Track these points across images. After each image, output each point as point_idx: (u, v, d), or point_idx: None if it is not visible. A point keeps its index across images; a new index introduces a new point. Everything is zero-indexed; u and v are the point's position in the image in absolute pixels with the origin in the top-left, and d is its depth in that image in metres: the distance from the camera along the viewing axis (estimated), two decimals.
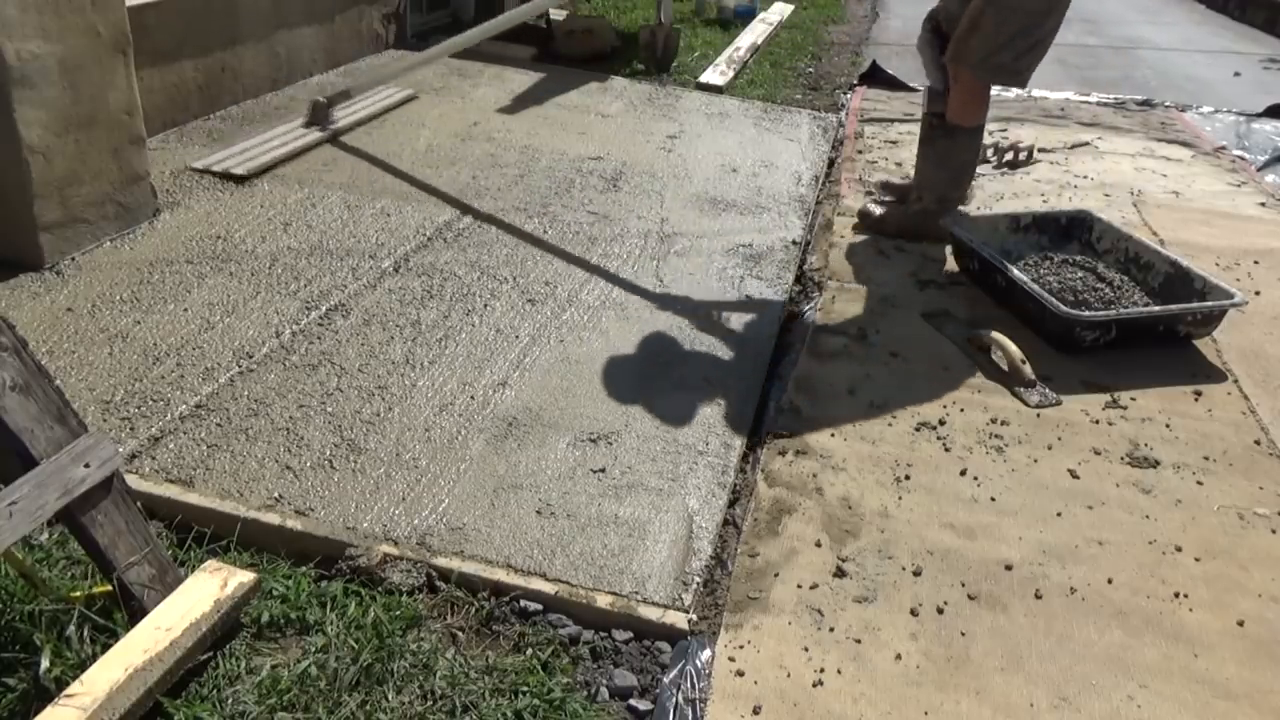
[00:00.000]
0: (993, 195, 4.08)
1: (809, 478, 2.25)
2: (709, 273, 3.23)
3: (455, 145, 4.12)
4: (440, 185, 3.68)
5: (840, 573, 1.96)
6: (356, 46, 5.14)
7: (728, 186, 4.01)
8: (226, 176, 3.46)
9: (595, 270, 3.15)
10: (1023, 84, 3.33)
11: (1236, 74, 7.02)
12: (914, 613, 1.88)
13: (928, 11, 3.48)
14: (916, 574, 1.98)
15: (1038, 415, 2.56)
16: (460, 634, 1.79)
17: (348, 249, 3.11)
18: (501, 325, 2.78)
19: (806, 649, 1.78)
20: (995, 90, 3.51)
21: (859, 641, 1.80)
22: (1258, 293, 3.32)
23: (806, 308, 3.08)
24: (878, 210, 3.69)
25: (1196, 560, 2.08)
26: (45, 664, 1.54)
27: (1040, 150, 4.63)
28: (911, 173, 4.27)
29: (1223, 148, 5.03)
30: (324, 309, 2.76)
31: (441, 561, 1.91)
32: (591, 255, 3.26)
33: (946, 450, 2.39)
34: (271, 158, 3.64)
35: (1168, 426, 2.55)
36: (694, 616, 1.85)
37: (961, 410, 2.55)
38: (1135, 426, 2.54)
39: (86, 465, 1.57)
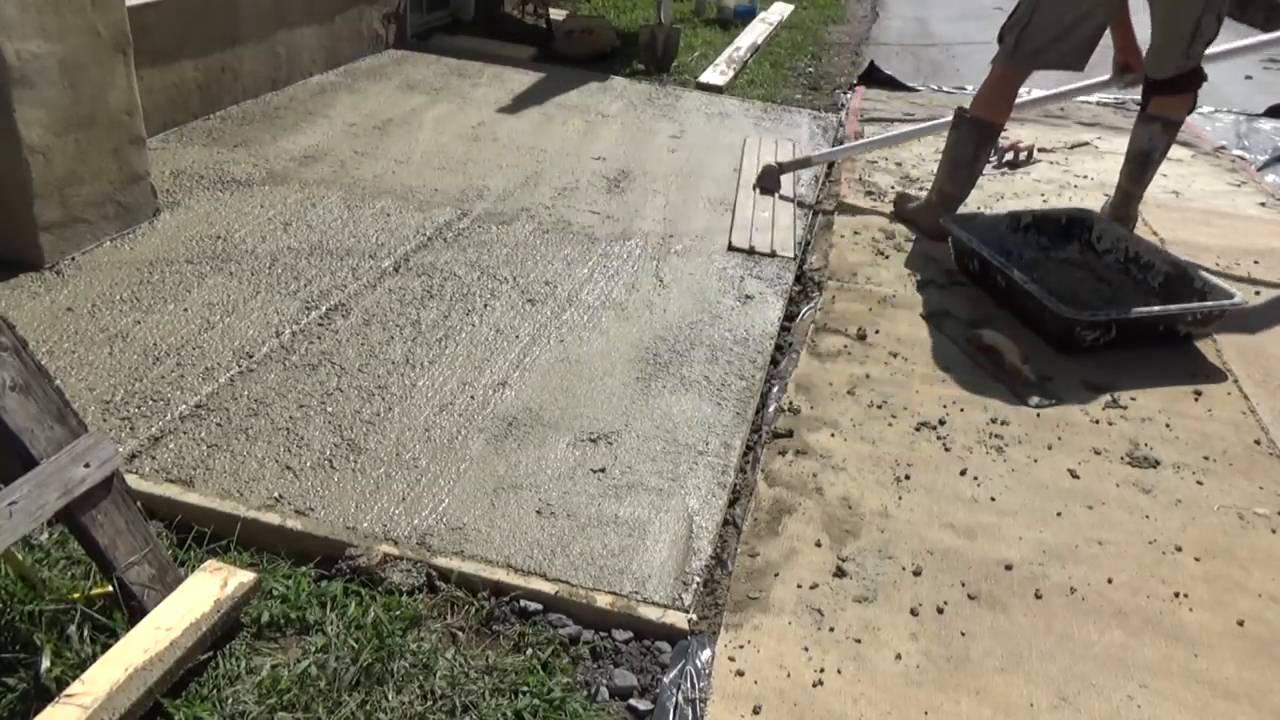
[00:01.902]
0: (993, 195, 4.07)
1: (809, 478, 2.25)
2: (709, 272, 3.23)
3: (456, 145, 4.12)
4: (440, 185, 3.68)
5: (840, 573, 1.97)
6: (356, 46, 5.14)
7: (728, 186, 4.00)
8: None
9: (595, 270, 3.15)
10: (1012, 59, 3.32)
11: (1248, 78, 6.99)
12: (914, 613, 1.88)
13: None
14: (916, 574, 1.98)
15: (1038, 415, 2.56)
16: (460, 634, 1.79)
17: (348, 249, 3.11)
18: (501, 325, 2.78)
19: (806, 649, 1.78)
20: None
21: (859, 641, 1.81)
22: (1258, 293, 3.32)
23: (806, 308, 3.08)
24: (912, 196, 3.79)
25: (1196, 560, 2.08)
26: (45, 664, 1.54)
27: (1040, 150, 4.63)
28: (911, 173, 4.29)
29: (1223, 147, 5.04)
30: (324, 309, 2.76)
31: (441, 561, 1.91)
32: (592, 255, 3.26)
33: (946, 450, 2.39)
34: (799, 230, 3.62)
35: (1168, 426, 2.55)
36: (694, 616, 1.85)
37: (961, 410, 2.55)
38: (1135, 426, 2.55)
39: (86, 465, 1.57)
